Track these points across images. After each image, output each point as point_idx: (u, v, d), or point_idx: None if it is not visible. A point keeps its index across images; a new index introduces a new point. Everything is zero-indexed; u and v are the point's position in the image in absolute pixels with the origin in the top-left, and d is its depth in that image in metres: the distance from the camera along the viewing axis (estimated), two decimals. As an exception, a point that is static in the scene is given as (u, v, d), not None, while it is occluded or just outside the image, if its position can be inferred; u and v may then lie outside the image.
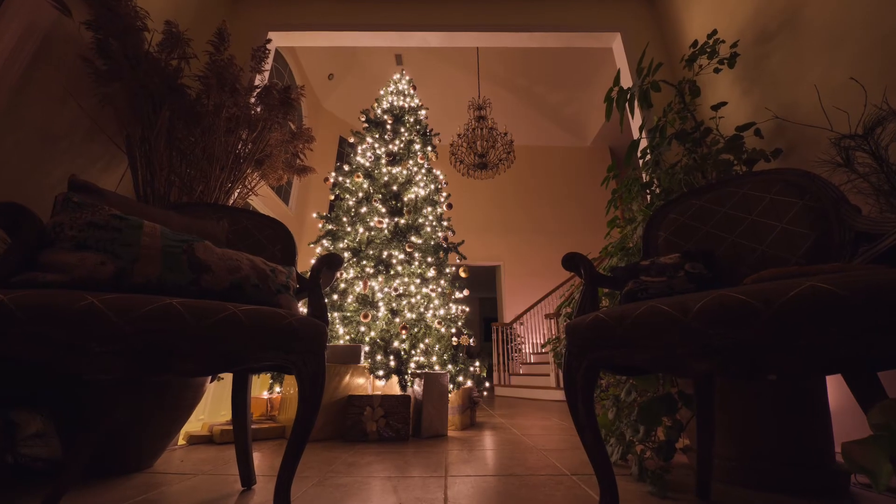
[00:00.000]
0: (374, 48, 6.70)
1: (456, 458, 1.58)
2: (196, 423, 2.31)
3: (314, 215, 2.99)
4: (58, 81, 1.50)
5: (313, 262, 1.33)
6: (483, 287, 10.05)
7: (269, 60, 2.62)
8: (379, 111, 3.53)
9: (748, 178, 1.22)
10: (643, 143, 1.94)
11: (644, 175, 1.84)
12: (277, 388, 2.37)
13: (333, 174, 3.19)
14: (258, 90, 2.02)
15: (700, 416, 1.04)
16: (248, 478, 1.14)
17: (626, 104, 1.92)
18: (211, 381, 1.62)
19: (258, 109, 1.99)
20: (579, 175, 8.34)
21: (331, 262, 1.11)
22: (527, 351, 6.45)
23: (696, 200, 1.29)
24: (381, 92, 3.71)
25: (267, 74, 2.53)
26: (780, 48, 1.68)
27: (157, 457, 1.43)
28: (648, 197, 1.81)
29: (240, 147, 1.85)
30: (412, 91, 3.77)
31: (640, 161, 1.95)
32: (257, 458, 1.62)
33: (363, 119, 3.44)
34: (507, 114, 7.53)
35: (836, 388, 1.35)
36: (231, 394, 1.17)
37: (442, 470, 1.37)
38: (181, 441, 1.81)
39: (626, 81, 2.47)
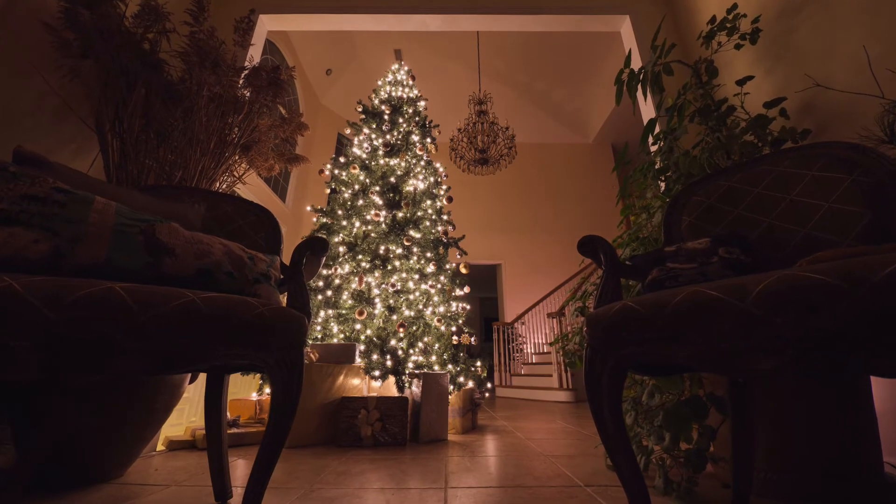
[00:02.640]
0: (372, 43, 6.59)
1: (457, 465, 1.45)
2: (180, 426, 2.18)
3: (308, 208, 2.86)
4: (21, 54, 1.37)
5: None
6: (483, 286, 9.92)
7: (259, 41, 2.49)
8: (376, 101, 3.41)
9: (785, 155, 1.09)
10: (657, 128, 1.82)
11: (658, 161, 1.71)
12: (268, 390, 2.24)
13: (329, 166, 3.06)
14: (246, 72, 1.89)
15: (736, 422, 0.91)
16: (222, 491, 1.01)
17: (639, 85, 1.79)
18: (190, 382, 1.49)
19: (247, 93, 1.86)
20: (581, 172, 8.21)
21: (315, 247, 0.98)
22: (528, 351, 6.31)
23: (724, 181, 1.16)
24: (379, 82, 3.58)
25: (254, 53, 2.40)
26: (807, 21, 1.55)
27: (128, 465, 1.30)
28: (663, 184, 1.68)
29: (225, 131, 1.72)
30: (411, 82, 3.65)
31: (654, 147, 1.82)
32: (242, 465, 1.49)
33: (360, 109, 3.32)
34: (508, 110, 7.39)
35: (879, 388, 1.22)
36: (204, 396, 1.04)
37: (442, 480, 1.25)
38: (160, 446, 1.68)
39: (637, 66, 2.35)
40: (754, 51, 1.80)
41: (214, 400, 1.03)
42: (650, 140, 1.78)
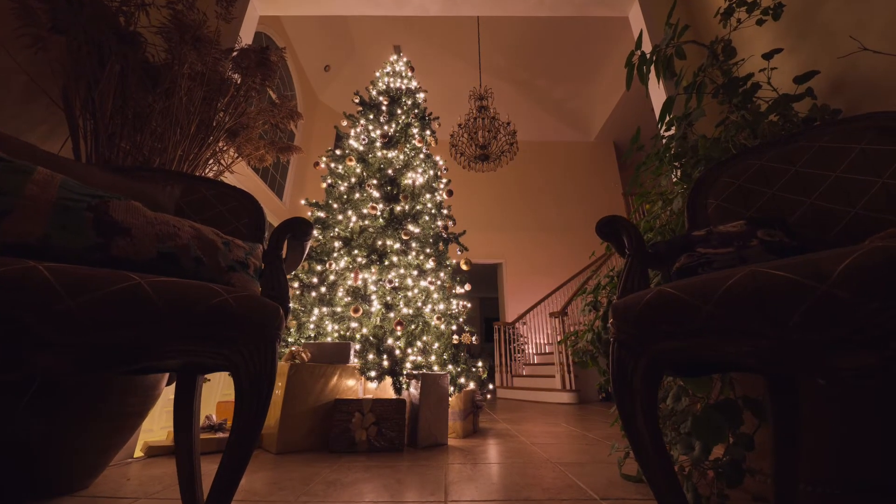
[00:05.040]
0: (371, 39, 6.49)
1: (458, 474, 1.33)
2: (166, 430, 2.06)
3: (302, 202, 2.75)
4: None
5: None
6: (484, 286, 9.80)
7: (251, 26, 2.38)
8: (374, 93, 3.29)
9: (825, 129, 0.98)
10: (668, 116, 1.70)
11: (673, 147, 1.60)
12: (257, 391, 2.12)
13: (325, 159, 2.94)
14: (234, 54, 1.78)
15: (778, 430, 0.79)
16: (193, 507, 0.89)
17: (653, 67, 1.68)
18: (168, 384, 1.37)
19: (235, 77, 1.75)
20: (583, 171, 8.11)
21: (297, 230, 0.86)
22: (530, 351, 6.19)
23: (754, 160, 1.05)
24: (377, 73, 3.47)
25: (244, 38, 2.29)
26: (835, -6, 1.44)
27: (95, 475, 1.19)
28: (679, 172, 1.56)
29: (211, 114, 1.61)
30: (410, 73, 3.53)
31: (667, 133, 1.70)
32: (224, 473, 1.37)
33: (357, 101, 3.20)
34: (509, 108, 7.29)
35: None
36: (174, 399, 0.92)
37: (441, 492, 1.13)
38: (138, 452, 1.56)
39: (647, 50, 2.24)
40: (775, 29, 1.68)
41: (185, 403, 0.91)
42: (663, 125, 1.67)
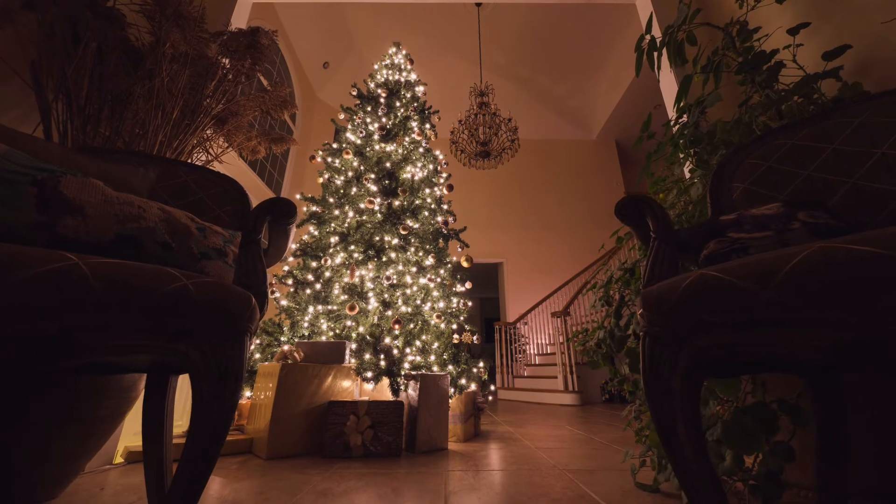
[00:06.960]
0: (370, 36, 6.41)
1: (459, 483, 1.23)
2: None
3: (298, 196, 2.66)
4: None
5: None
6: (484, 286, 9.71)
7: (244, 13, 2.29)
8: (372, 85, 3.20)
9: (862, 105, 0.89)
10: (675, 107, 1.61)
11: (687, 134, 1.51)
12: (248, 393, 2.03)
13: (321, 153, 2.86)
14: (223, 38, 1.68)
15: (824, 437, 0.70)
16: (163, 523, 0.80)
17: (664, 51, 1.59)
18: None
19: (225, 61, 1.66)
20: (584, 169, 8.02)
21: (278, 211, 0.77)
22: (531, 352, 6.10)
23: (784, 139, 0.95)
24: (376, 66, 3.38)
25: (233, 16, 2.20)
26: (862, -31, 1.35)
27: (65, 484, 1.09)
28: (694, 159, 1.47)
29: (197, 98, 1.52)
30: (409, 66, 3.45)
31: (681, 120, 1.61)
32: (211, 481, 1.28)
33: (354, 94, 3.11)
34: (510, 105, 7.20)
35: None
36: (143, 401, 0.83)
37: (441, 503, 1.03)
38: (118, 458, 1.47)
39: (657, 37, 2.15)
40: (794, 9, 1.59)
41: (155, 406, 0.82)
42: (677, 108, 1.58)
